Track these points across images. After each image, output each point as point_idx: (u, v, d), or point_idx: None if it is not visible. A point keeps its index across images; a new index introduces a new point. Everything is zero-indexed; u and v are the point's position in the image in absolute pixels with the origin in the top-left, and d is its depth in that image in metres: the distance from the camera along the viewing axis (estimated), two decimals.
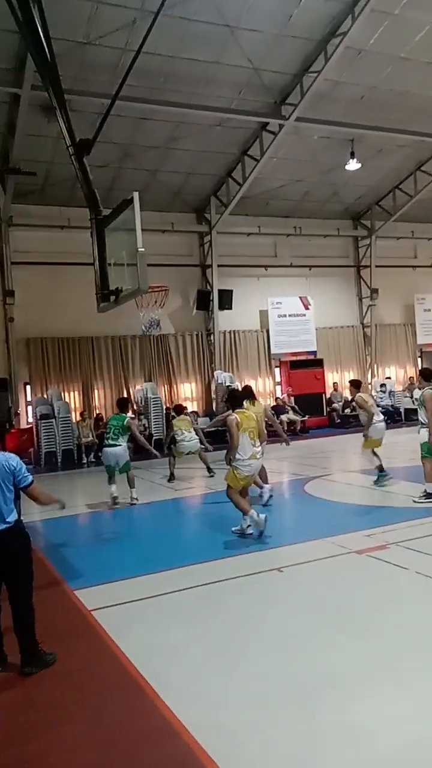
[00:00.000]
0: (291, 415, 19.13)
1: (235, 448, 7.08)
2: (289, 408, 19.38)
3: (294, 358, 20.71)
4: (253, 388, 19.60)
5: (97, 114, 11.89)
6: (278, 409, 19.35)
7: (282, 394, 20.38)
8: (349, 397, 9.80)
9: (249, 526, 7.13)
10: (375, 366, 22.35)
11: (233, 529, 7.33)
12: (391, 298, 22.41)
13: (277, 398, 20.20)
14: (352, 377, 21.93)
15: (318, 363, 20.85)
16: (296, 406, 19.55)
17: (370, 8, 12.30)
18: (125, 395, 18.27)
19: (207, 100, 14.47)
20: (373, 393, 21.01)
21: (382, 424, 9.94)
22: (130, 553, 7.23)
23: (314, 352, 20.94)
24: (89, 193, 8.33)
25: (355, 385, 10.31)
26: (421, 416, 8.30)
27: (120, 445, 9.68)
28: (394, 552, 6.12)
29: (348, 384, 10.30)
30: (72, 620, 5.10)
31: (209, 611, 5.09)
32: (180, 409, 12.82)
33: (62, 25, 10.78)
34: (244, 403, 7.87)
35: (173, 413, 13.28)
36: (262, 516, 7.02)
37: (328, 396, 20.93)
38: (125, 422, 9.75)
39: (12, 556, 4.18)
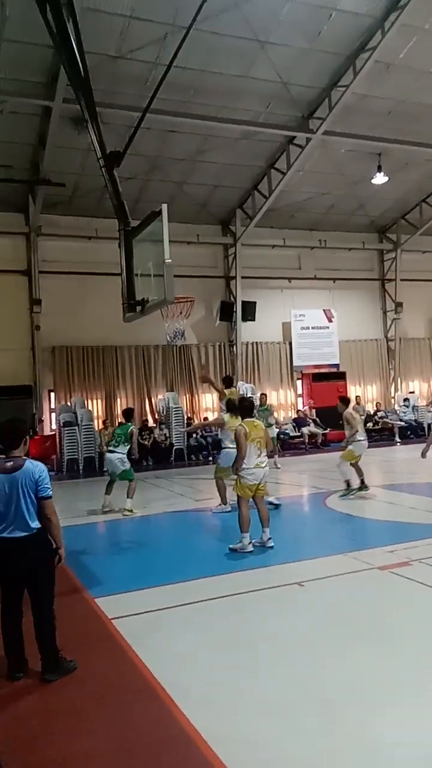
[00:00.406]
0: (312, 428, 19.06)
1: (242, 458, 7.12)
2: (310, 420, 19.32)
3: (316, 371, 20.65)
4: (274, 400, 19.94)
5: (127, 126, 12.10)
6: (299, 422, 19.34)
7: (303, 406, 20.32)
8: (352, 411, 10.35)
9: (250, 543, 7.13)
10: (398, 380, 22.18)
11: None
12: (416, 312, 22.27)
13: (298, 410, 20.14)
14: (375, 391, 21.94)
15: (341, 376, 20.76)
16: (318, 419, 19.46)
17: (401, 23, 12.35)
18: (148, 404, 18.43)
19: (235, 114, 14.61)
20: (396, 407, 20.89)
21: (365, 442, 10.38)
22: (150, 563, 7.24)
23: (337, 365, 20.87)
24: (119, 204, 8.44)
25: (344, 401, 10.76)
26: None
27: (115, 453, 9.95)
28: (418, 569, 6.04)
29: (338, 400, 10.78)
30: (92, 628, 5.12)
31: (229, 623, 5.07)
32: (230, 381, 11.74)
33: (94, 39, 10.98)
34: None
35: (222, 384, 11.54)
36: (250, 547, 7.05)
37: None
38: (128, 431, 10.03)
39: (35, 562, 4.21)
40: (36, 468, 4.28)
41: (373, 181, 17.55)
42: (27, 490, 4.22)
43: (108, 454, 10.20)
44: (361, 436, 10.21)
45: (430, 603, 5.27)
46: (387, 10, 12.39)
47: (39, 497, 4.25)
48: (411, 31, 12.97)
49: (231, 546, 7.20)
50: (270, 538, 7.20)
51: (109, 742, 3.46)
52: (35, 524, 4.22)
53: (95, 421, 17.22)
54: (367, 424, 20.38)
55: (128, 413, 10.71)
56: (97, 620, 5.27)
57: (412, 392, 21.97)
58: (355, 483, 10.10)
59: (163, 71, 9.35)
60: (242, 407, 7.66)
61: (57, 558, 4.32)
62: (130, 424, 10.26)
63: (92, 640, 4.88)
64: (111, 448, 10.12)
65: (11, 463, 4.26)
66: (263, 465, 7.28)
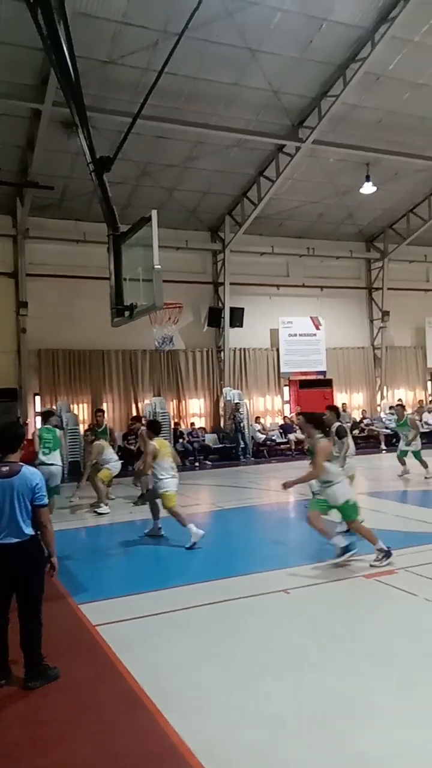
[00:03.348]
0: (299, 434, 19.06)
1: (147, 473, 8.33)
2: (297, 427, 19.32)
3: (303, 378, 20.70)
4: (261, 406, 20.01)
5: (117, 131, 12.09)
6: (286, 428, 19.37)
7: (290, 413, 20.36)
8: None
9: (160, 528, 8.38)
10: (384, 388, 22.30)
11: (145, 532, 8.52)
12: (402, 321, 22.42)
13: (285, 417, 20.17)
14: (362, 398, 22.00)
15: (327, 383, 20.83)
16: None
17: (391, 35, 12.47)
18: (134, 409, 18.36)
19: (226, 121, 14.65)
20: (382, 415, 20.99)
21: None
22: (137, 569, 7.20)
23: (324, 372, 20.94)
24: (108, 209, 8.40)
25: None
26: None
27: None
28: (403, 577, 6.06)
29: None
30: (76, 635, 5.07)
31: (216, 630, 5.05)
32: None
33: (86, 43, 10.97)
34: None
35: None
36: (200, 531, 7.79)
37: None
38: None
39: (26, 569, 4.16)
40: (33, 475, 4.23)
41: (362, 190, 17.67)
42: (22, 497, 4.17)
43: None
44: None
45: (415, 612, 5.28)
46: (377, 22, 12.50)
47: (35, 505, 4.20)
48: (401, 44, 13.10)
49: (188, 546, 7.66)
50: (160, 528, 8.43)
51: (92, 751, 3.42)
52: (29, 530, 4.17)
53: (81, 426, 17.12)
54: (353, 431, 20.50)
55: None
56: (82, 627, 5.23)
57: (400, 400, 21.98)
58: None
59: (154, 77, 9.35)
60: (153, 427, 8.57)
61: (49, 566, 4.27)
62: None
63: (76, 647, 4.83)
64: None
65: (7, 468, 4.21)
66: (175, 474, 8.27)
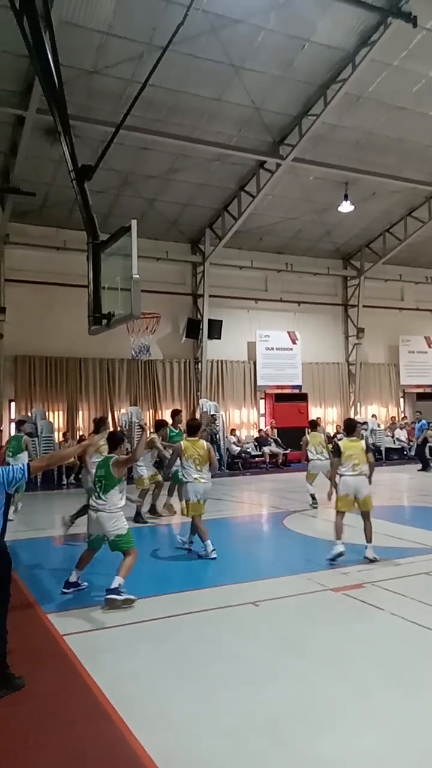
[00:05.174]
0: (273, 448, 19.19)
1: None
2: (271, 440, 19.45)
3: (279, 391, 20.85)
4: (237, 419, 20.08)
5: (100, 141, 12.16)
6: (261, 441, 19.45)
7: (265, 426, 20.46)
8: None
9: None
10: (358, 404, 22.54)
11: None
12: (377, 339, 22.75)
13: (260, 430, 20.26)
14: (336, 413, 22.19)
15: (302, 397, 21.02)
16: (279, 439, 19.62)
17: (371, 58, 12.75)
18: (110, 418, 18.26)
19: (208, 135, 14.81)
20: None
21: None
22: (104, 579, 7.14)
23: (299, 387, 21.12)
24: (88, 218, 8.43)
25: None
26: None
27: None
28: (370, 591, 6.12)
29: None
30: (43, 644, 5.02)
31: (183, 641, 5.04)
32: (316, 425, 13.08)
33: (71, 52, 11.04)
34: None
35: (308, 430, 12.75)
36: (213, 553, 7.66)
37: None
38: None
39: None
40: (4, 470, 4.21)
41: (340, 209, 17.96)
42: None
43: None
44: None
45: (381, 625, 5.33)
46: (358, 45, 12.78)
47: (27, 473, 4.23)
48: (381, 67, 13.41)
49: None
50: (213, 549, 7.65)
51: (56, 761, 3.40)
52: None
53: (56, 433, 17.00)
54: (328, 445, 20.65)
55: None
56: (49, 636, 5.18)
57: (374, 416, 22.21)
58: None
59: (138, 88, 9.44)
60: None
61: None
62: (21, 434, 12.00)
63: (42, 656, 4.79)
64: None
65: None
66: (202, 480, 7.77)
